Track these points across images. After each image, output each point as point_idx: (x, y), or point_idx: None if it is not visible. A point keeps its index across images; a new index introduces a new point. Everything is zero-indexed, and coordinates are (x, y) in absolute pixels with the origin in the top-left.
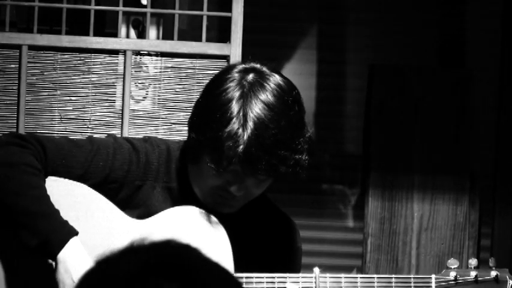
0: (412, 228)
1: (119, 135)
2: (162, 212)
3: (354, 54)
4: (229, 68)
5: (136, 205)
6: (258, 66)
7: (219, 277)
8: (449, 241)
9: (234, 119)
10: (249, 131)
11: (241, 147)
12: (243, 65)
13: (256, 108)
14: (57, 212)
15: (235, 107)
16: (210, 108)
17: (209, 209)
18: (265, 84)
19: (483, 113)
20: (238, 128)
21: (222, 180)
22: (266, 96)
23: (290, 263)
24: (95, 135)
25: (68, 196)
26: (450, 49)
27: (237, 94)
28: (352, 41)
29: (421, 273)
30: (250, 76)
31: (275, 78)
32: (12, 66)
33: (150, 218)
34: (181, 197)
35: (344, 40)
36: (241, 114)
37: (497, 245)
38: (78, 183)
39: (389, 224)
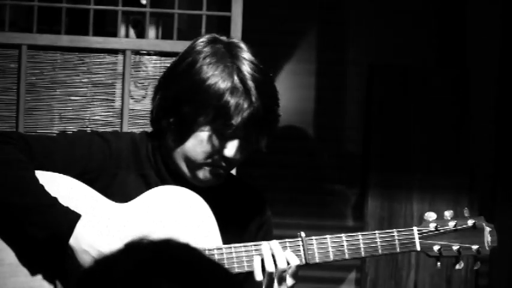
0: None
1: None
2: (146, 192)
3: (353, 54)
4: (195, 45)
5: (114, 194)
6: (216, 35)
7: (219, 276)
8: None
9: (235, 80)
10: (252, 91)
11: (247, 106)
12: (203, 39)
13: (247, 68)
14: (56, 200)
15: (228, 71)
16: (201, 82)
17: (189, 187)
18: (241, 46)
19: (483, 112)
20: (241, 93)
21: (219, 145)
22: (248, 55)
23: (267, 230)
24: None
25: (53, 188)
26: (449, 49)
27: (222, 61)
28: (352, 41)
29: (421, 273)
30: (219, 45)
31: (237, 41)
32: (12, 65)
33: (134, 200)
34: (155, 182)
35: (344, 40)
36: (236, 76)
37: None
38: (61, 175)
39: (389, 223)
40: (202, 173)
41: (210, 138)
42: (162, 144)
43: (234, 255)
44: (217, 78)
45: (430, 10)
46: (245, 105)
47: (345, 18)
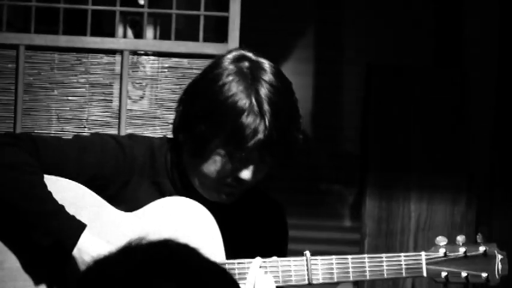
0: (409, 228)
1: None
2: (152, 203)
3: (352, 53)
4: (220, 62)
5: (124, 200)
6: (244, 52)
7: (217, 276)
8: None
9: (252, 103)
10: (267, 115)
11: (261, 129)
12: (230, 56)
13: (265, 91)
14: (63, 207)
15: (247, 93)
16: (220, 100)
17: (202, 199)
18: (265, 68)
19: (481, 112)
20: (256, 115)
21: (232, 168)
22: (269, 77)
23: (282, 246)
24: None
25: (58, 193)
26: (448, 49)
27: (243, 82)
28: (350, 41)
29: None
30: (245, 63)
31: (263, 60)
32: (10, 66)
33: (140, 210)
34: (169, 191)
35: (342, 39)
36: (254, 99)
37: None
38: (67, 180)
39: (387, 224)
40: (216, 192)
41: (224, 160)
42: (179, 155)
43: (236, 271)
44: (235, 98)
45: (429, 10)
46: (260, 129)
47: (343, 17)
